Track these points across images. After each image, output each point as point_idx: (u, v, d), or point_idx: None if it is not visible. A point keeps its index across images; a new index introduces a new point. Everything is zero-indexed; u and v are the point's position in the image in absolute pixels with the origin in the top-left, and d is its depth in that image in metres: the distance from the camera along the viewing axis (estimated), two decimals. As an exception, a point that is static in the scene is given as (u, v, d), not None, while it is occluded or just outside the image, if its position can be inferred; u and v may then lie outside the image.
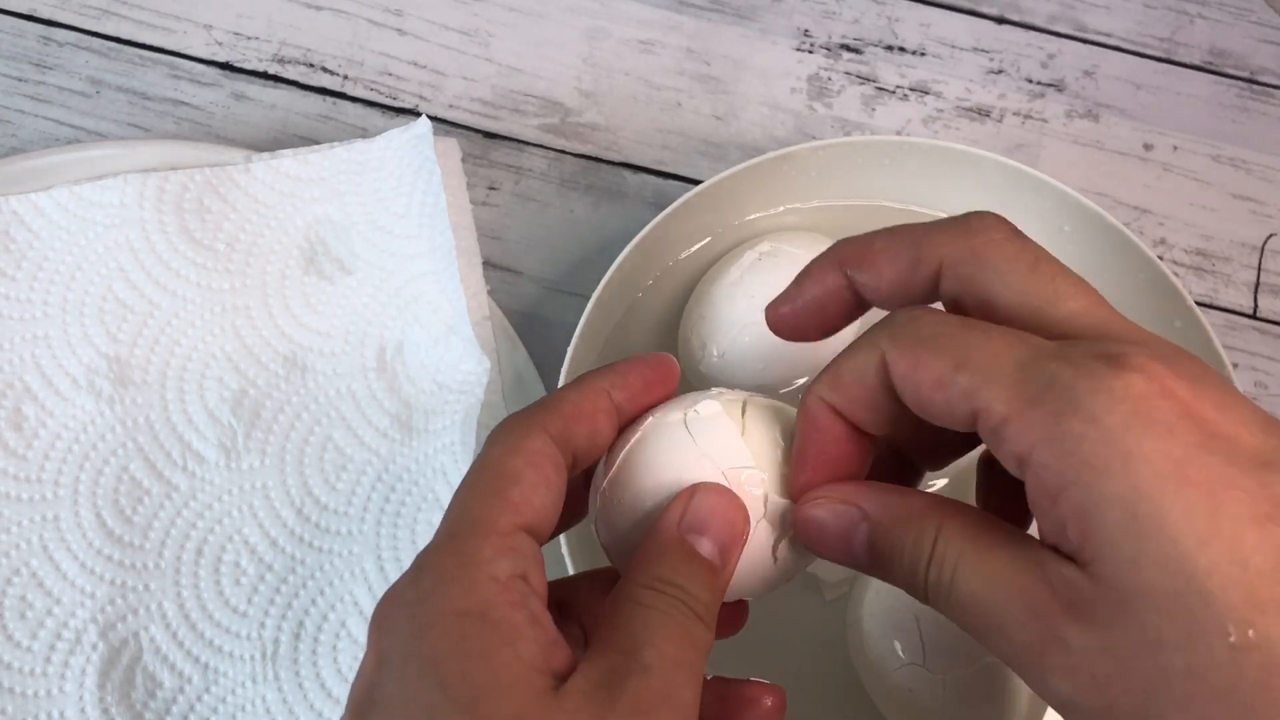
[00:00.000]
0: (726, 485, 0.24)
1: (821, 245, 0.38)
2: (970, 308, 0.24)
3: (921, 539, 0.23)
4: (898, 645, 0.34)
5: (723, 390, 0.27)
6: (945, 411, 0.22)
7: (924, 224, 0.25)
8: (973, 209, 0.27)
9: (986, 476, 0.27)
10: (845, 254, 0.26)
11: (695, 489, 0.24)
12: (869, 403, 0.24)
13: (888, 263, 0.25)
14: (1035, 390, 0.20)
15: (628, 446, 0.25)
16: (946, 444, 0.26)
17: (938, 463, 0.27)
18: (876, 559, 0.24)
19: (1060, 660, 0.20)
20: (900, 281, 0.25)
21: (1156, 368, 0.20)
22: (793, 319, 0.27)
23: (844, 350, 0.25)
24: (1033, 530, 0.22)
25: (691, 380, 0.39)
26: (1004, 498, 0.26)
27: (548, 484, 0.24)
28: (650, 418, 0.26)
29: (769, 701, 0.25)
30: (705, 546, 0.24)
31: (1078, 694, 0.20)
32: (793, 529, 0.25)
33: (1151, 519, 0.19)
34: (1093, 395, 0.20)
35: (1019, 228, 0.25)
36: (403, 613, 0.22)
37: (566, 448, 0.25)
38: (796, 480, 0.25)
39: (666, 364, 0.27)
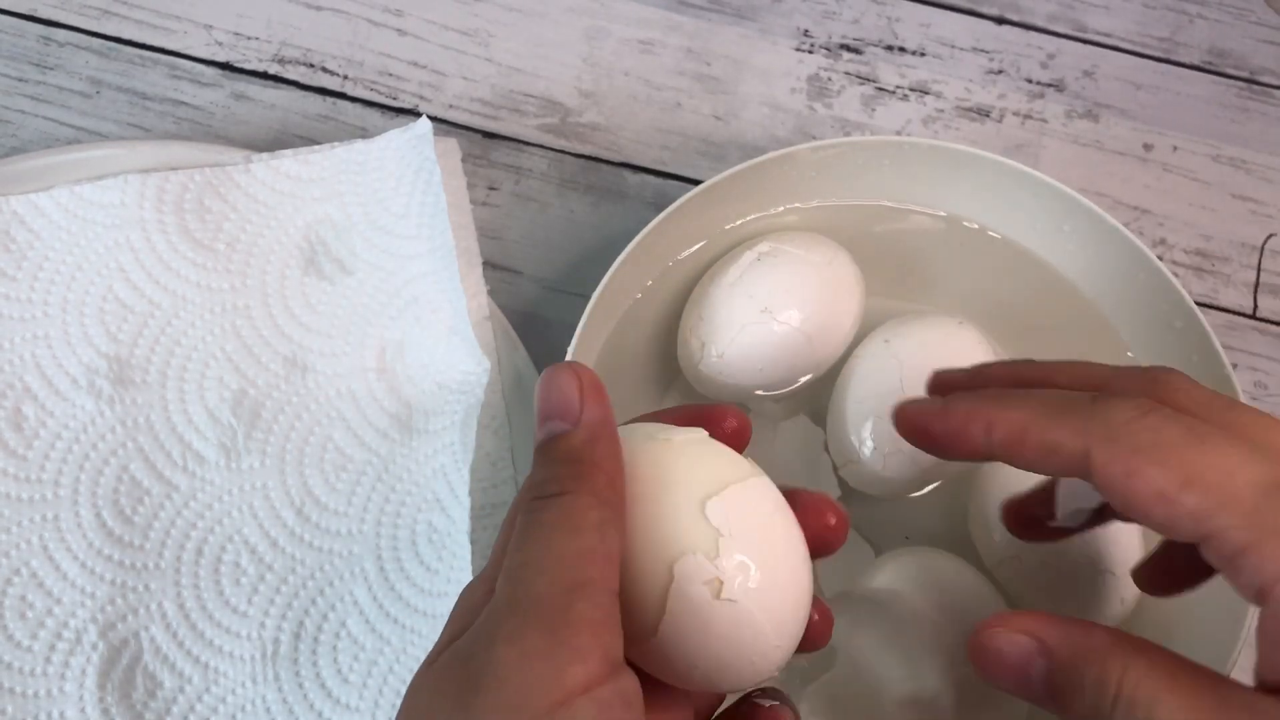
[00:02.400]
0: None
1: (822, 245, 0.38)
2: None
3: (1106, 677, 0.21)
4: (899, 646, 0.34)
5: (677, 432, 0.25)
6: (1167, 526, 0.21)
7: (1106, 366, 0.24)
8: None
9: (1164, 554, 0.26)
10: (1027, 374, 0.25)
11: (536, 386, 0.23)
12: (1040, 464, 0.23)
13: (1023, 443, 0.23)
14: (1277, 519, 0.19)
15: None
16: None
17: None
18: (1054, 694, 0.22)
19: None
20: (1045, 448, 0.23)
21: None
22: (922, 436, 0.25)
23: (1036, 402, 0.23)
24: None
25: (691, 380, 0.39)
26: (1171, 574, 0.25)
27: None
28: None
29: (832, 519, 0.24)
30: (551, 425, 0.23)
31: None
32: (969, 657, 0.24)
33: None
34: None
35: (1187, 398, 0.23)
36: (436, 692, 0.20)
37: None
38: (912, 414, 0.25)
39: (725, 417, 0.26)
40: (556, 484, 0.21)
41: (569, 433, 0.22)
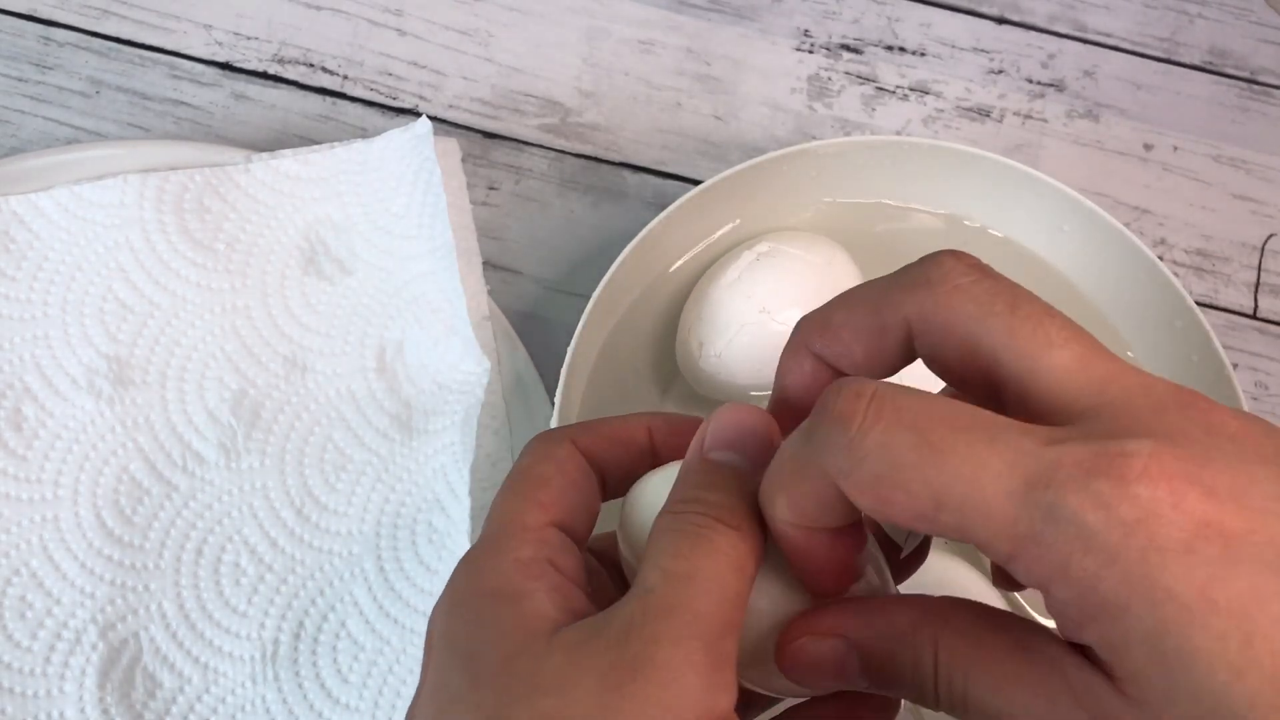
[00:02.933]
0: None
1: (821, 245, 0.38)
2: (953, 365, 0.22)
3: (921, 658, 0.21)
4: None
5: None
6: (939, 535, 0.20)
7: (881, 282, 0.23)
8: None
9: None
10: (808, 334, 0.24)
11: (717, 412, 0.23)
12: (831, 516, 0.21)
13: (852, 336, 0.23)
14: (1036, 526, 0.18)
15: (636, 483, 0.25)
16: None
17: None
18: (878, 683, 0.22)
19: None
20: (872, 353, 0.23)
21: (1164, 464, 0.18)
22: (780, 415, 0.24)
23: (779, 466, 0.22)
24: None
25: (690, 380, 0.39)
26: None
27: (575, 486, 0.24)
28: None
29: None
30: (724, 454, 0.23)
31: None
32: (781, 669, 0.23)
33: (1181, 654, 0.18)
34: (1105, 530, 0.18)
35: (981, 261, 0.23)
36: (439, 606, 0.22)
37: (595, 465, 0.24)
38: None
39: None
40: (734, 517, 0.21)
41: (751, 474, 0.22)
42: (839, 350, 0.23)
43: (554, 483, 0.23)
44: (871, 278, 0.39)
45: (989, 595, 0.35)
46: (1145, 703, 0.18)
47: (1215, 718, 0.18)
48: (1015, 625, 0.21)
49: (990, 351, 0.21)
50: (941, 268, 0.22)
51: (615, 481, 0.25)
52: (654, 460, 0.25)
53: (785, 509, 0.21)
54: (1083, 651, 0.19)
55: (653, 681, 0.19)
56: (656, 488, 0.24)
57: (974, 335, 0.21)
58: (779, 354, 0.38)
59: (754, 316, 0.36)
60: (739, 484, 0.22)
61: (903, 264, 0.24)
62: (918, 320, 0.22)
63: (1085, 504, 0.18)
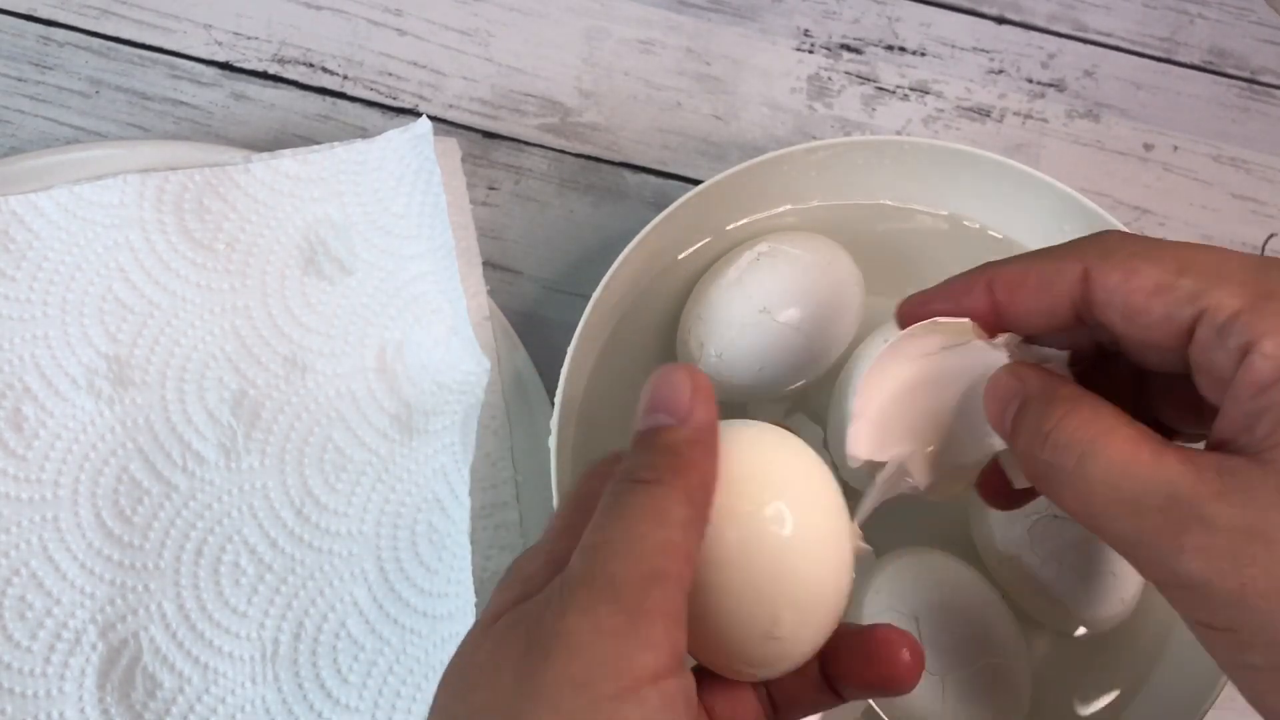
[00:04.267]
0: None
1: (821, 245, 0.38)
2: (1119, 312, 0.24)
3: (1044, 420, 0.23)
4: None
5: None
6: (1162, 318, 0.22)
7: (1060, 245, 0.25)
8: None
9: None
10: (992, 270, 0.26)
11: (646, 384, 0.24)
12: (1039, 307, 0.24)
13: (1029, 278, 0.25)
14: (1270, 286, 0.21)
15: None
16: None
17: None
18: (1012, 430, 0.25)
19: (1199, 540, 0.21)
20: (1043, 293, 0.25)
21: None
22: (924, 316, 0.27)
23: (1033, 252, 0.25)
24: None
25: None
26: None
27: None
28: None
29: (906, 655, 0.24)
30: (654, 417, 0.23)
31: (1211, 572, 0.21)
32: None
33: None
34: None
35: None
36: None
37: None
38: (912, 302, 0.27)
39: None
40: (652, 471, 0.22)
41: (673, 427, 0.23)
42: (1010, 281, 0.25)
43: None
44: (872, 278, 0.40)
45: (984, 592, 0.35)
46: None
47: None
48: (1142, 426, 0.23)
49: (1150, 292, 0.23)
50: (1108, 233, 0.25)
51: None
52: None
53: (1003, 276, 0.24)
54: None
55: (559, 658, 0.19)
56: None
57: (1141, 271, 0.23)
58: (780, 353, 0.38)
59: (754, 316, 0.36)
60: (661, 440, 0.22)
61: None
62: (1097, 261, 0.24)
63: None
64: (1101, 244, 0.24)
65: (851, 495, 0.37)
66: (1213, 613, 0.21)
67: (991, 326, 0.26)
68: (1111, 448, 0.22)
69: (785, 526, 0.23)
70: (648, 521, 0.21)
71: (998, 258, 0.26)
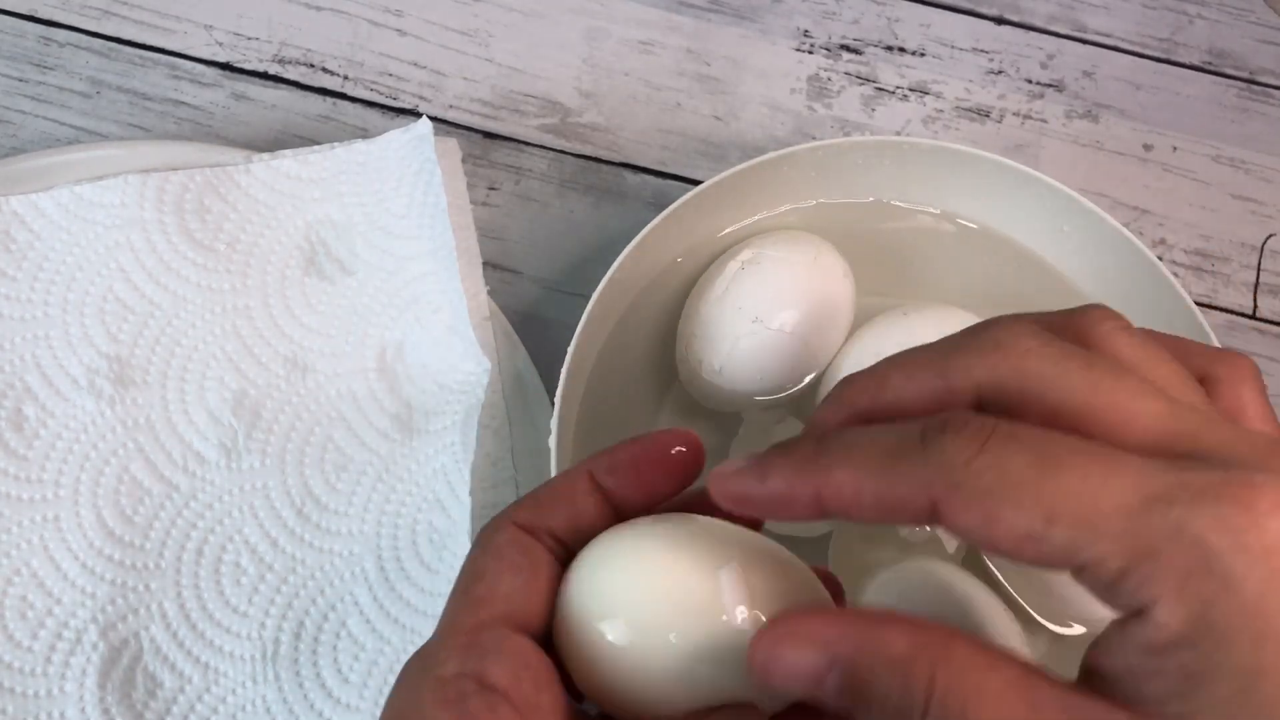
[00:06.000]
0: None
1: (804, 242, 0.38)
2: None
3: (912, 687, 0.19)
4: None
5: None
6: (1040, 563, 0.19)
7: (941, 346, 0.22)
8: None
9: None
10: (856, 397, 0.23)
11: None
12: (882, 521, 0.20)
13: (914, 402, 0.22)
14: (1156, 540, 0.18)
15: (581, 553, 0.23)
16: None
17: None
18: (853, 702, 0.20)
19: None
20: (884, 508, 0.20)
21: None
22: (745, 503, 0.23)
23: (864, 453, 0.20)
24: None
25: (694, 395, 0.39)
26: None
27: (515, 570, 0.23)
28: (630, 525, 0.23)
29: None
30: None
31: None
32: (751, 663, 0.21)
33: (1268, 702, 0.17)
34: (1231, 555, 0.17)
35: (1037, 324, 0.22)
36: None
37: (543, 533, 0.24)
38: (731, 482, 0.22)
39: (668, 445, 0.24)
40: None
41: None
42: (843, 500, 0.21)
43: (489, 571, 0.23)
44: (872, 278, 0.40)
45: (984, 600, 0.35)
46: None
47: None
48: (1022, 665, 0.20)
49: (1073, 411, 0.20)
50: (1009, 331, 0.21)
51: (568, 543, 0.24)
52: (611, 508, 0.24)
53: (833, 490, 0.20)
54: (1090, 686, 0.19)
55: None
56: (590, 571, 0.23)
57: (1053, 396, 0.20)
58: (778, 359, 0.38)
59: (748, 327, 0.36)
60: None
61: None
62: (991, 385, 0.21)
63: (1212, 526, 0.17)
64: (943, 467, 0.19)
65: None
66: None
67: (820, 519, 0.22)
68: (985, 708, 0.19)
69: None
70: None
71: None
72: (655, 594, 0.22)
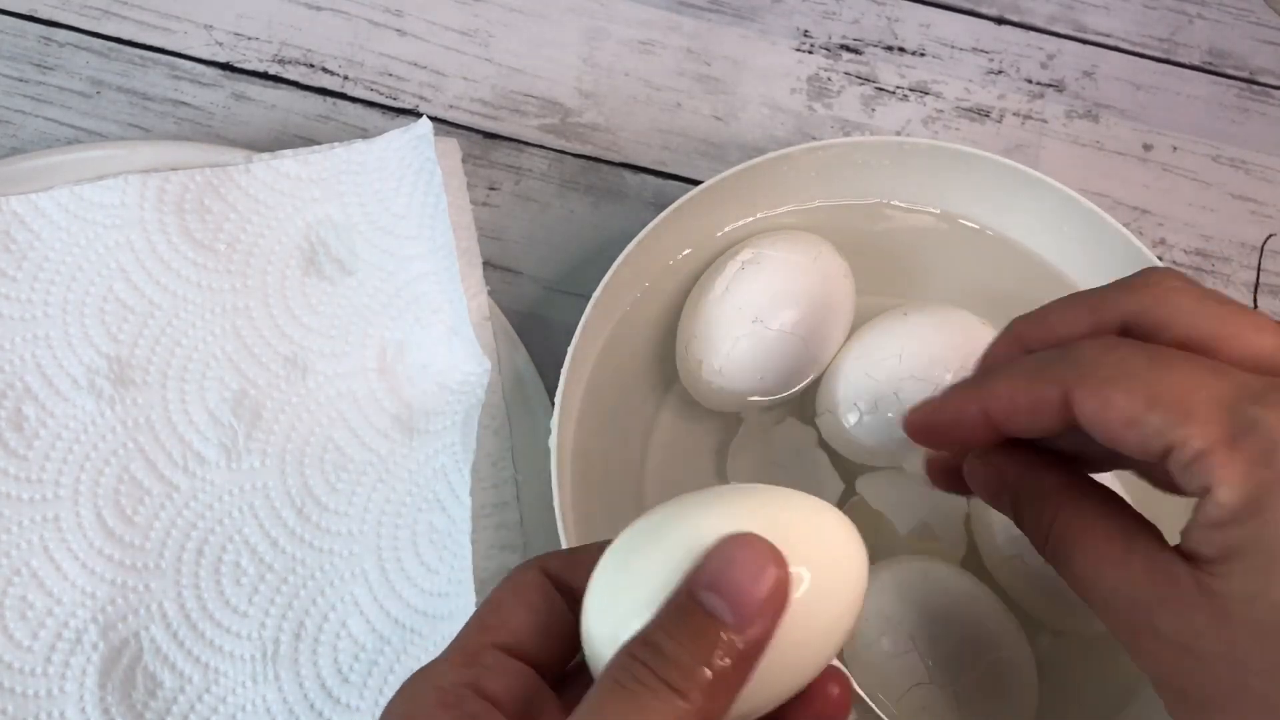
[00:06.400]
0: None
1: (803, 242, 0.38)
2: None
3: (1042, 518, 0.25)
4: (900, 670, 0.33)
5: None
6: (1138, 448, 0.23)
7: (1097, 289, 0.26)
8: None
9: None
10: (1024, 329, 0.27)
11: (720, 540, 0.21)
12: (1034, 426, 0.25)
13: (1068, 333, 0.26)
14: (1235, 431, 0.21)
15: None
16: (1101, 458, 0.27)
17: (1093, 467, 0.28)
18: (999, 506, 0.27)
19: (1150, 644, 0.23)
20: (1032, 407, 0.25)
21: None
22: (932, 433, 0.28)
23: (1018, 368, 0.25)
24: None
25: (695, 395, 0.39)
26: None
27: (530, 606, 0.24)
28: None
29: (835, 690, 0.23)
30: (712, 600, 0.20)
31: (1159, 674, 0.23)
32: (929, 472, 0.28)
33: None
34: None
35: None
36: None
37: (568, 590, 0.24)
38: (918, 416, 0.27)
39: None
40: (682, 678, 0.20)
41: (729, 631, 0.20)
42: (1003, 407, 0.25)
43: (505, 604, 0.24)
44: (872, 278, 0.40)
45: (984, 599, 0.35)
46: (1225, 596, 0.21)
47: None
48: (1124, 518, 0.24)
49: (1203, 337, 0.24)
50: (1158, 273, 0.26)
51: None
52: None
53: (995, 399, 0.25)
54: (1178, 551, 0.23)
55: None
56: (608, 583, 0.22)
57: (1188, 322, 0.24)
58: (779, 359, 0.38)
59: (748, 328, 0.36)
60: (709, 643, 0.20)
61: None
62: (1135, 314, 0.25)
63: None
64: (1079, 361, 0.24)
65: (856, 503, 0.37)
66: (1165, 699, 0.24)
67: (991, 437, 0.27)
68: (1088, 547, 0.24)
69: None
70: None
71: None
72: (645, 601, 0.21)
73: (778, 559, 0.20)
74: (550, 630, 0.24)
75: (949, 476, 0.29)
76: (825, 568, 0.21)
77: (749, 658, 0.20)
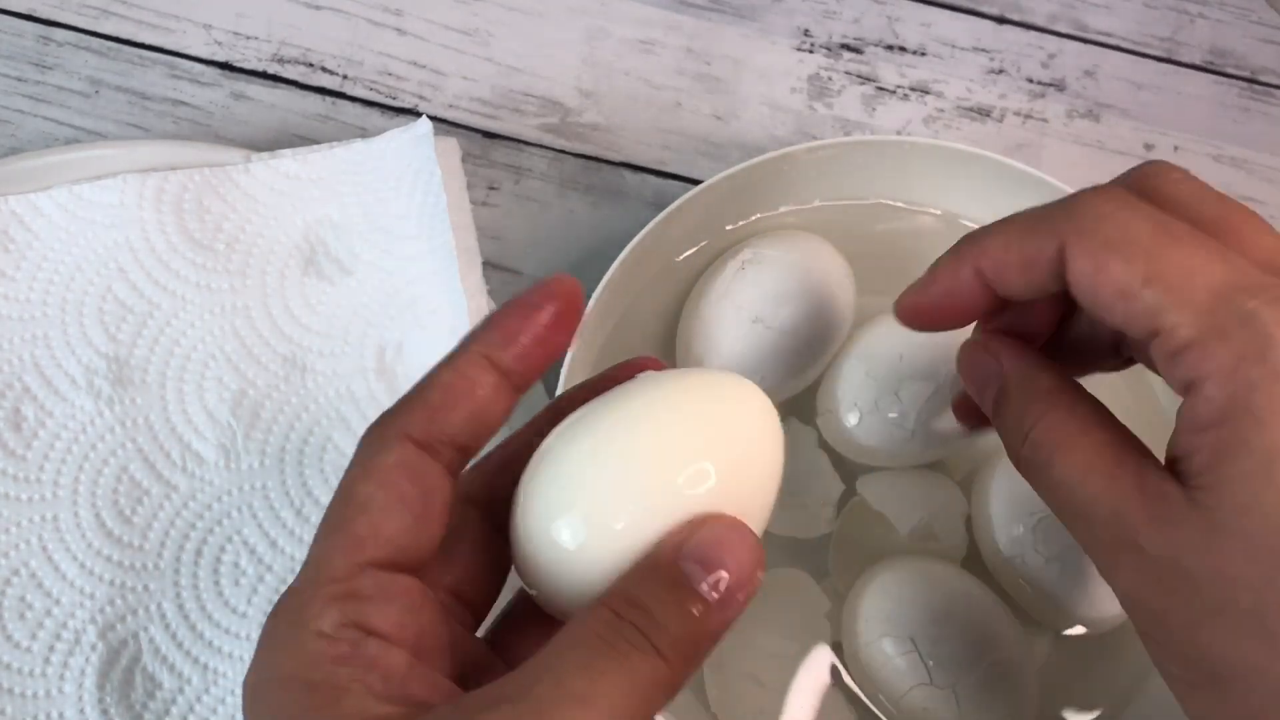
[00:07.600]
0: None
1: (803, 242, 0.38)
2: (1099, 286, 0.23)
3: (1024, 418, 0.24)
4: (900, 670, 0.33)
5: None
6: (1123, 322, 0.22)
7: (1036, 208, 0.25)
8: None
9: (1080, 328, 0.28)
10: (969, 247, 0.26)
11: (706, 518, 0.20)
12: (1026, 282, 0.24)
13: (1006, 250, 0.25)
14: (1226, 322, 0.20)
15: (552, 431, 0.21)
16: (1088, 348, 0.27)
17: (1069, 361, 0.27)
18: (994, 415, 0.25)
19: (1130, 561, 0.22)
20: (1028, 265, 0.24)
21: None
22: (922, 310, 0.26)
23: (1013, 220, 0.24)
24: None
25: None
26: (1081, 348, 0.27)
27: (403, 503, 0.20)
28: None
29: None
30: (701, 576, 0.19)
31: (1139, 593, 0.22)
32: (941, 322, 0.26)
33: None
34: None
35: (1124, 192, 0.24)
36: (246, 691, 0.19)
37: (443, 446, 0.21)
38: (906, 297, 0.26)
39: (556, 291, 0.23)
40: (669, 646, 0.20)
41: (715, 608, 0.20)
42: (995, 261, 0.24)
43: (374, 504, 0.20)
44: (872, 278, 0.40)
45: (984, 600, 0.35)
46: (1213, 509, 0.20)
47: (1274, 537, 0.19)
48: (1114, 429, 0.23)
49: (1210, 225, 0.22)
50: (1158, 163, 0.24)
51: (473, 448, 0.22)
52: (512, 388, 0.22)
53: (986, 248, 0.24)
54: (1169, 469, 0.22)
55: None
56: (551, 476, 0.21)
57: (1197, 212, 0.22)
58: (779, 360, 0.38)
59: (748, 328, 0.36)
60: (699, 618, 0.19)
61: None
62: (1143, 193, 0.23)
63: (1278, 321, 0.20)
64: (1080, 215, 0.22)
65: (858, 506, 0.37)
66: (1138, 621, 0.23)
67: (984, 303, 0.26)
68: (1075, 455, 0.23)
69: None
70: (638, 699, 0.18)
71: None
72: (610, 486, 0.21)
73: (756, 546, 0.20)
74: (428, 523, 0.21)
75: (979, 414, 0.28)
76: (749, 443, 0.23)
77: (723, 632, 0.20)
